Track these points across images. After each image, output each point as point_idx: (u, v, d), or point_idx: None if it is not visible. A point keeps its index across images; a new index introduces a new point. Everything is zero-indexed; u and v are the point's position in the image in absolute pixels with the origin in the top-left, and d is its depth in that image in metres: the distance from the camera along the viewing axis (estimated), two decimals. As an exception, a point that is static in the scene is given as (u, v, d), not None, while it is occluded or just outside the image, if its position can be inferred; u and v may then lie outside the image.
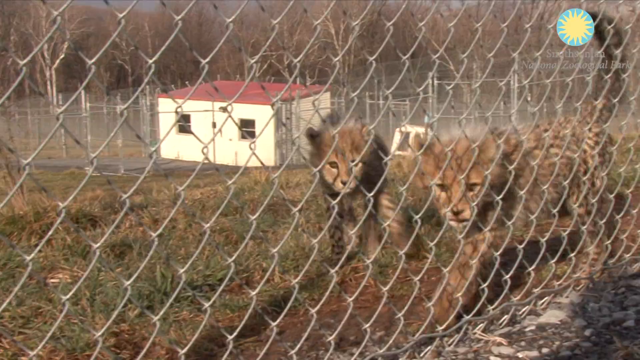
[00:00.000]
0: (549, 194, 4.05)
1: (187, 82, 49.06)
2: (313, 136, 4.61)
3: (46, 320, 3.91)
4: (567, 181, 4.11)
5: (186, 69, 72.87)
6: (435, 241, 3.45)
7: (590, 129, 4.27)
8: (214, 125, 33.97)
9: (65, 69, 75.03)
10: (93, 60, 2.02)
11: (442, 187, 3.63)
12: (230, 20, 2.36)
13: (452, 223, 3.61)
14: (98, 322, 3.81)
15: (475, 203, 3.56)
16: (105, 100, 42.05)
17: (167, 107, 38.31)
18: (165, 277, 4.37)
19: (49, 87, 63.87)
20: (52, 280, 4.62)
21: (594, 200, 4.30)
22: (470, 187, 3.60)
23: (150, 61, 2.18)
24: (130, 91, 41.68)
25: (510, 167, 3.68)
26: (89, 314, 3.96)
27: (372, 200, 3.16)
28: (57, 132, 42.90)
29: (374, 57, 2.94)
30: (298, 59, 2.67)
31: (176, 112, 2.26)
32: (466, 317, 3.62)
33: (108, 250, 5.23)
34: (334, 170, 4.55)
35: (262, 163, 2.80)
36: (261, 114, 32.38)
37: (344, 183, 4.43)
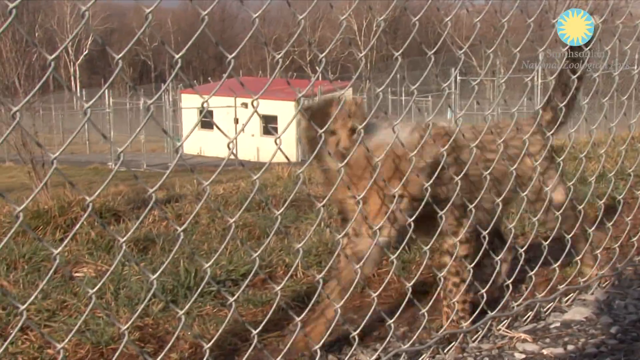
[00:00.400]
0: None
1: (209, 78, 49.21)
2: None
3: (71, 314, 3.94)
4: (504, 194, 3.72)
5: (208, 65, 73.08)
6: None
7: (541, 138, 3.91)
8: (237, 121, 34.04)
9: (89, 65, 75.51)
10: (120, 55, 2.03)
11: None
12: (256, 15, 2.36)
13: (368, 241, 3.18)
14: (122, 316, 3.83)
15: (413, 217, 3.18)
16: (128, 96, 42.28)
17: (189, 103, 38.46)
18: (188, 271, 4.39)
19: (72, 83, 64.24)
20: (77, 274, 4.65)
21: (558, 213, 3.99)
22: (393, 199, 3.13)
23: (177, 56, 2.18)
24: (153, 87, 41.90)
25: (458, 178, 3.31)
26: (113, 307, 3.99)
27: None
28: (81, 128, 43.21)
29: (399, 52, 2.93)
30: (323, 54, 2.67)
31: (202, 107, 2.26)
32: (490, 314, 3.60)
33: (132, 245, 5.26)
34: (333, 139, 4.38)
35: (287, 158, 2.80)
36: (283, 110, 32.38)
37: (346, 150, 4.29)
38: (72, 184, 1.95)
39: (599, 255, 4.29)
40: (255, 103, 2.44)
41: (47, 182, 11.44)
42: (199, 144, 36.96)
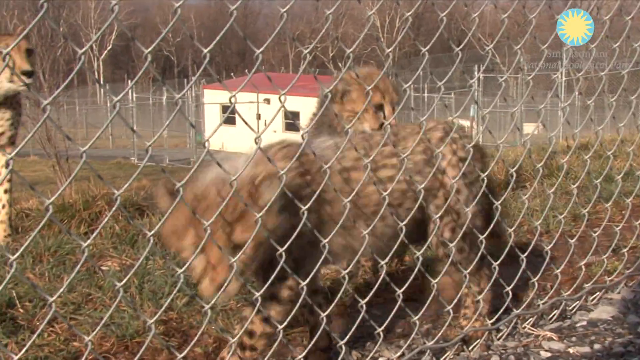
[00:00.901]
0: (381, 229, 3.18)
1: (232, 74, 49.31)
2: None
3: (96, 307, 3.96)
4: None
5: (231, 61, 73.27)
6: (484, 235, 3.42)
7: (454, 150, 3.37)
8: (259, 117, 34.06)
9: (112, 60, 76.02)
10: (149, 49, 2.03)
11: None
12: (284, 10, 2.36)
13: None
14: (147, 310, 3.85)
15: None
16: (151, 91, 42.45)
17: (212, 99, 38.52)
18: (212, 266, 4.39)
19: (96, 78, 64.61)
20: (102, 268, 4.67)
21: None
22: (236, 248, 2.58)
23: (205, 50, 2.18)
24: (176, 82, 42.03)
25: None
26: (138, 301, 4.00)
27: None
28: (104, 122, 43.41)
29: (426, 48, 2.92)
30: (351, 49, 2.66)
31: (230, 102, 2.26)
32: (515, 311, 3.59)
33: (155, 239, 5.27)
34: (379, 114, 4.27)
35: (314, 154, 2.79)
36: (306, 106, 32.33)
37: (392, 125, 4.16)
38: (100, 177, 1.96)
39: (625, 254, 4.25)
40: (282, 98, 2.44)
41: (70, 175, 11.46)
42: (220, 139, 37.01)
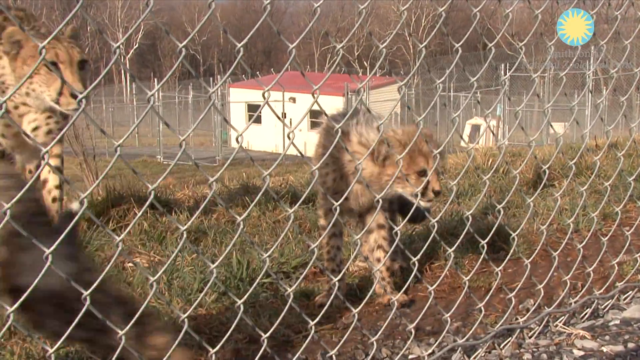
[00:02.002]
0: None
1: (257, 73, 49.43)
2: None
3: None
4: None
5: (256, 60, 73.46)
6: (517, 231, 3.40)
7: None
8: (284, 115, 34.10)
9: (139, 59, 76.49)
10: (184, 43, 2.03)
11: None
12: (318, 5, 2.35)
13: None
14: (176, 306, 3.85)
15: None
16: (176, 90, 42.63)
17: (237, 97, 38.61)
18: (241, 263, 4.39)
19: (122, 76, 65.03)
20: (130, 265, 4.69)
21: None
22: None
23: (239, 45, 2.18)
24: (202, 80, 42.15)
25: None
26: (167, 298, 4.01)
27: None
28: (131, 120, 43.62)
29: (459, 44, 2.89)
30: (383, 45, 2.64)
31: (263, 96, 2.25)
32: (547, 310, 3.55)
33: (180, 236, 5.28)
34: (422, 179, 3.84)
35: (347, 149, 2.78)
36: (330, 104, 32.29)
37: (436, 193, 3.82)
38: (135, 171, 1.96)
39: None
40: (315, 95, 2.43)
41: (97, 173, 11.53)
42: (246, 137, 37.13)
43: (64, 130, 2.21)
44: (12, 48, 4.38)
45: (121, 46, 1.95)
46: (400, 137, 3.79)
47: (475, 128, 32.41)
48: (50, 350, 1.96)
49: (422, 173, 3.79)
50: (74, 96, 4.25)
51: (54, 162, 5.10)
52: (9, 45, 4.38)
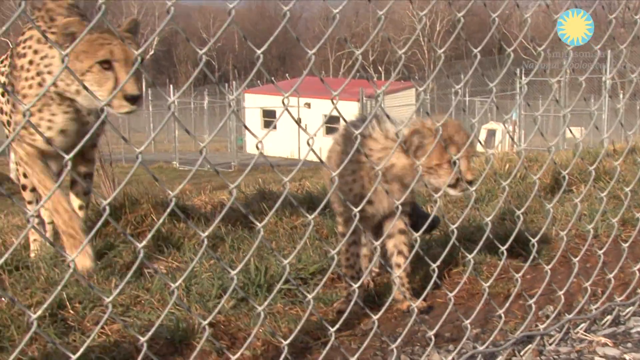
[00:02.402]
0: None
1: (272, 78, 49.45)
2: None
3: (144, 309, 3.98)
4: None
5: (271, 65, 73.63)
6: (537, 237, 3.38)
7: None
8: (300, 120, 34.19)
9: (154, 65, 76.78)
10: (204, 50, 2.04)
11: None
12: (337, 11, 2.34)
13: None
14: (195, 312, 3.85)
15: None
16: (192, 96, 42.80)
17: (252, 103, 38.71)
18: (259, 269, 4.39)
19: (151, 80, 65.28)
20: (148, 270, 4.70)
21: None
22: None
23: (259, 52, 2.18)
24: (222, 88, 42.34)
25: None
26: (185, 304, 4.01)
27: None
28: (146, 126, 43.78)
29: (478, 48, 2.89)
30: (402, 50, 2.64)
31: (283, 102, 2.25)
32: (568, 316, 3.53)
33: (200, 242, 5.29)
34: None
35: (366, 155, 2.77)
36: (346, 110, 32.27)
37: (470, 183, 3.73)
38: (156, 178, 1.96)
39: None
40: (334, 101, 2.43)
41: (114, 179, 11.55)
42: (261, 143, 37.19)
43: (87, 136, 2.21)
44: (65, 40, 3.98)
45: (138, 53, 1.95)
46: (430, 125, 3.72)
47: (491, 133, 32.34)
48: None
49: (455, 162, 3.70)
50: (127, 98, 3.99)
51: (84, 168, 4.94)
52: (62, 37, 4.00)
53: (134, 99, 4.00)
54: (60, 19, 4.35)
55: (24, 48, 4.46)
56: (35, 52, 4.39)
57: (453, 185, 3.73)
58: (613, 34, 3.47)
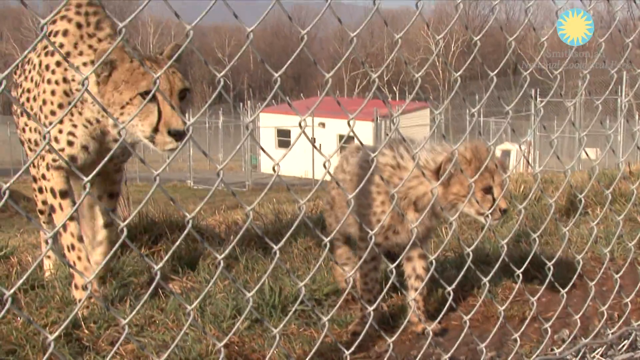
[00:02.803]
0: None
1: (287, 97, 49.60)
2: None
3: (159, 329, 3.98)
4: None
5: (286, 85, 73.86)
6: (553, 261, 3.36)
7: None
8: (314, 140, 34.24)
9: (169, 85, 76.99)
10: (222, 73, 2.05)
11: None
12: (354, 34, 2.36)
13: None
14: (208, 333, 3.85)
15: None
16: (207, 115, 42.97)
17: (267, 122, 38.81)
18: (273, 290, 4.39)
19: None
20: (162, 290, 4.70)
21: None
22: None
23: (276, 75, 2.19)
24: (232, 106, 42.53)
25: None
26: (200, 325, 4.01)
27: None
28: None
29: (494, 72, 2.89)
30: (419, 73, 2.64)
31: (300, 125, 2.26)
32: (584, 341, 3.51)
33: (216, 263, 5.29)
34: (488, 197, 3.74)
35: (382, 178, 2.78)
36: (359, 130, 32.32)
37: (504, 211, 3.72)
38: (174, 200, 1.97)
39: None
40: (351, 122, 2.43)
41: (129, 199, 11.55)
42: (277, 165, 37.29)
43: (106, 158, 2.22)
44: (104, 69, 3.74)
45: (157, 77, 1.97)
46: (464, 152, 3.71)
47: (506, 153, 32.29)
48: None
49: (488, 190, 3.70)
50: (172, 134, 3.60)
51: (110, 188, 4.65)
52: (100, 66, 3.69)
53: (179, 135, 3.61)
54: (104, 29, 4.06)
55: (55, 35, 4.06)
56: (68, 54, 4.02)
57: (484, 214, 3.68)
58: (629, 57, 3.46)
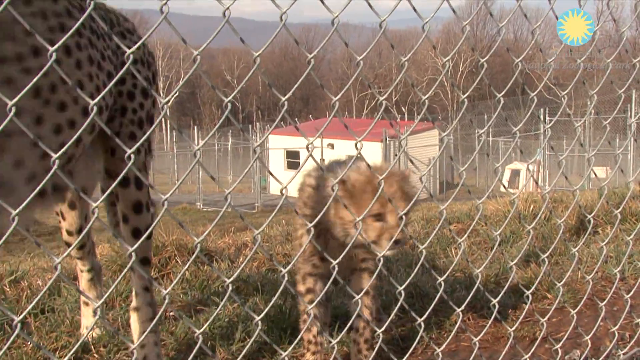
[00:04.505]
0: None
1: (296, 119, 49.89)
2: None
3: (168, 353, 3.98)
4: None
5: (295, 106, 74.13)
6: (563, 281, 3.35)
7: None
8: (323, 161, 34.25)
9: (179, 107, 77.58)
10: (230, 98, 2.06)
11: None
12: (360, 58, 2.37)
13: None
14: (219, 356, 3.85)
15: None
16: (216, 137, 43.13)
17: (276, 144, 38.90)
18: (282, 312, 4.39)
19: (163, 124, 65.93)
20: (171, 313, 4.71)
21: None
22: None
23: (283, 99, 2.20)
24: (241, 128, 42.69)
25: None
26: (209, 349, 4.01)
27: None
28: (171, 168, 44.09)
29: (502, 93, 2.90)
30: (426, 96, 2.65)
31: (307, 148, 2.27)
32: (595, 362, 3.49)
33: (225, 286, 5.29)
34: (377, 224, 3.28)
35: (389, 200, 2.78)
36: (368, 150, 32.39)
37: (397, 242, 3.23)
38: (182, 224, 1.98)
39: None
40: (359, 145, 2.44)
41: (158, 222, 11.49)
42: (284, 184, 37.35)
43: (117, 181, 2.23)
44: None
45: (165, 102, 1.98)
46: (356, 177, 3.28)
47: (515, 173, 32.29)
48: None
49: (378, 217, 3.24)
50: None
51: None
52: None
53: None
54: None
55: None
56: None
57: (375, 242, 3.27)
58: (637, 77, 3.46)
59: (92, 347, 3.93)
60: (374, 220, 3.23)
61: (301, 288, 3.67)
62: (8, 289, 5.47)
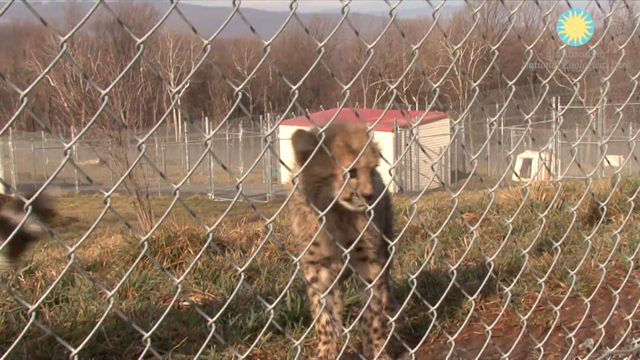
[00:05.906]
0: None
1: (306, 110, 49.81)
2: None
3: (182, 343, 3.99)
4: None
5: (305, 97, 74.04)
6: (576, 269, 3.34)
7: None
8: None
9: (190, 98, 77.62)
10: (240, 87, 2.06)
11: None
12: (371, 46, 2.36)
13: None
14: (230, 346, 3.86)
15: None
16: (227, 128, 43.10)
17: (287, 134, 38.81)
18: (294, 301, 4.39)
19: (174, 116, 66.04)
20: (184, 303, 4.72)
21: None
22: None
23: (294, 87, 2.20)
24: (259, 124, 42.62)
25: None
26: (222, 336, 4.02)
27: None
28: (182, 159, 44.16)
29: (513, 80, 2.89)
30: (437, 84, 2.64)
31: (319, 137, 2.27)
32: (609, 350, 3.48)
33: (237, 275, 5.31)
34: (352, 181, 3.12)
35: (400, 187, 2.77)
36: (379, 140, 32.24)
37: (368, 197, 3.12)
38: (193, 213, 1.98)
39: None
40: (370, 134, 2.44)
41: (151, 213, 11.57)
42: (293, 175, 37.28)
43: (128, 171, 2.23)
44: None
45: (175, 91, 1.98)
46: (328, 132, 2.86)
47: (527, 162, 32.16)
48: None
49: (352, 173, 3.01)
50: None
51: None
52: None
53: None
54: None
55: None
56: None
57: (348, 199, 3.17)
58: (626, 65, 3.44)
59: (106, 335, 3.94)
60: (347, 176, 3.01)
61: (307, 277, 3.63)
62: (23, 279, 5.51)
